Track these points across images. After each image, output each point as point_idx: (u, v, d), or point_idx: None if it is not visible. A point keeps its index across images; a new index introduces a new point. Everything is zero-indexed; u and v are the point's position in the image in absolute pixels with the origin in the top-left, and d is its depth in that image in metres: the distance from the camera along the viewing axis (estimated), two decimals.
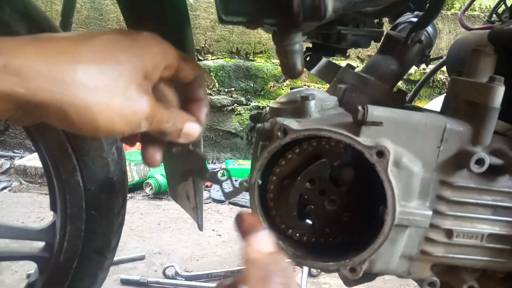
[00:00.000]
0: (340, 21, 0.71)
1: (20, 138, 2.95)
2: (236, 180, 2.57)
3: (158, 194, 2.42)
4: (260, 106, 2.86)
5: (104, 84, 0.33)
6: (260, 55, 2.89)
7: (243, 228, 0.42)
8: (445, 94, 0.58)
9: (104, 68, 0.33)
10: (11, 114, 0.32)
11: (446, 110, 0.55)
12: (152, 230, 1.93)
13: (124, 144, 0.78)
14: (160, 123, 0.38)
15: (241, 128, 2.92)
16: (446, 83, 2.80)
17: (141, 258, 1.67)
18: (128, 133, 0.35)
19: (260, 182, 0.50)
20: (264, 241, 0.39)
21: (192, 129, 0.41)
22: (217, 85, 2.88)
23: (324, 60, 0.83)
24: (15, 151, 2.95)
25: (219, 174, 0.46)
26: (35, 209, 2.06)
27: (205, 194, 2.42)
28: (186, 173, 0.45)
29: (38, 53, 0.31)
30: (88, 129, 0.33)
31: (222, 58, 2.89)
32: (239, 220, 0.43)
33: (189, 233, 1.90)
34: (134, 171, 2.47)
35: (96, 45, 0.34)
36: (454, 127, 0.49)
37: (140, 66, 0.36)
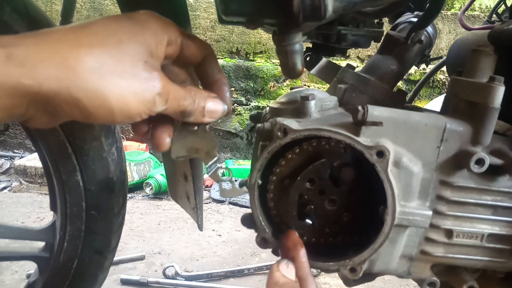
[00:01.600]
0: (340, 21, 0.71)
1: (20, 138, 2.95)
2: (236, 180, 2.56)
3: (158, 194, 2.42)
4: (260, 106, 2.86)
5: (110, 64, 0.33)
6: (260, 55, 2.90)
7: (287, 244, 0.47)
8: (445, 94, 0.58)
9: (106, 49, 0.33)
10: (23, 111, 0.31)
11: (446, 110, 0.55)
12: (152, 230, 1.93)
13: (124, 144, 0.78)
14: (177, 100, 0.37)
15: (241, 128, 2.92)
16: (446, 83, 2.80)
17: (141, 258, 1.67)
18: (146, 114, 0.35)
19: (260, 182, 0.50)
20: (291, 269, 0.43)
21: (215, 105, 0.41)
22: None
23: (324, 60, 0.83)
24: (15, 151, 2.95)
25: (220, 172, 0.46)
26: (35, 209, 2.06)
27: (205, 194, 2.43)
28: (192, 150, 0.43)
29: (39, 42, 0.31)
30: (103, 114, 0.33)
31: (222, 58, 2.89)
32: (285, 237, 0.48)
33: (189, 233, 1.90)
34: (134, 171, 2.47)
35: (95, 28, 0.34)
36: (454, 127, 0.49)
37: (142, 43, 0.35)
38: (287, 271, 0.43)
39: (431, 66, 1.01)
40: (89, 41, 0.33)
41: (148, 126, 0.41)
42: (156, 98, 0.35)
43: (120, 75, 0.33)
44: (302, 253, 0.46)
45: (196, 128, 0.43)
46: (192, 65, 0.43)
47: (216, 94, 0.42)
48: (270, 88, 2.88)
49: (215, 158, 0.45)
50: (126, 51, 0.34)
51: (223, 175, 0.46)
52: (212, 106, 0.40)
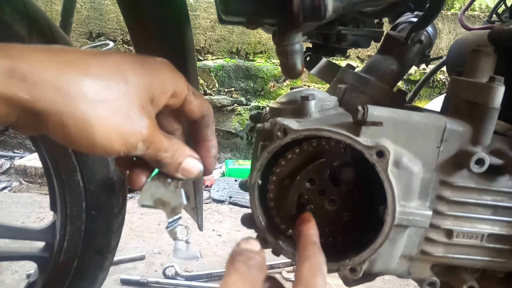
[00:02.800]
0: (340, 21, 0.71)
1: (20, 138, 2.95)
2: (236, 180, 2.57)
3: None
4: (260, 106, 2.86)
5: (108, 100, 0.33)
6: (260, 55, 2.90)
7: (297, 223, 0.45)
8: (445, 94, 0.58)
9: (110, 84, 0.33)
10: (14, 119, 0.32)
11: (446, 110, 0.55)
12: (152, 230, 1.93)
13: None
14: (157, 150, 0.37)
15: (241, 128, 2.92)
16: (446, 83, 2.80)
17: (141, 258, 1.67)
18: (124, 153, 0.35)
19: (260, 182, 0.50)
20: (251, 242, 0.40)
21: (191, 165, 0.40)
22: (217, 85, 2.88)
23: (324, 60, 0.83)
24: (15, 151, 2.95)
25: (178, 230, 0.44)
26: (35, 209, 2.06)
27: (205, 194, 2.43)
28: (159, 202, 0.43)
29: (47, 60, 0.31)
30: (85, 145, 0.33)
31: (222, 58, 2.89)
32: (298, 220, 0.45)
33: None
34: None
35: (107, 61, 0.34)
36: (454, 127, 0.49)
37: (147, 88, 0.35)
38: (246, 244, 0.40)
39: (431, 66, 1.01)
40: (96, 72, 0.33)
41: (131, 161, 0.41)
42: (139, 144, 0.35)
43: (113, 114, 0.33)
44: (309, 225, 0.44)
45: (169, 181, 0.42)
46: (190, 123, 0.43)
47: (201, 154, 0.42)
48: (270, 88, 2.88)
49: (178, 216, 0.44)
50: (128, 92, 0.34)
51: (182, 234, 0.44)
52: (188, 165, 0.40)
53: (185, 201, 0.43)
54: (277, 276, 1.55)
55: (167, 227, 0.44)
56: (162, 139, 0.37)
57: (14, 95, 0.30)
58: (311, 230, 0.44)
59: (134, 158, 0.42)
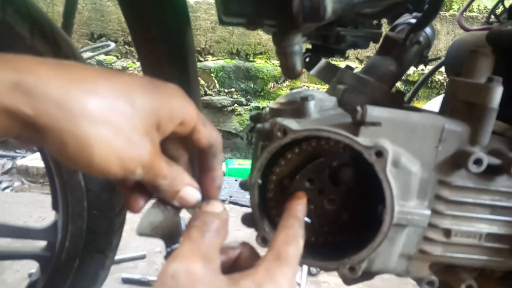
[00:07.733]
0: (339, 22, 0.71)
1: None
2: (236, 180, 2.57)
3: None
4: (260, 107, 2.87)
5: (111, 122, 0.32)
6: (260, 56, 2.90)
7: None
8: (443, 95, 0.58)
9: (116, 106, 0.32)
10: (17, 132, 0.31)
11: (444, 110, 0.56)
12: None
13: None
14: (156, 176, 0.36)
15: (241, 128, 2.92)
16: (444, 83, 2.80)
17: (142, 257, 1.67)
18: (121, 177, 0.34)
19: (260, 181, 0.51)
20: (214, 204, 0.39)
21: (189, 194, 0.39)
22: (217, 86, 2.89)
23: (323, 61, 0.83)
24: (17, 151, 2.96)
25: None
26: (37, 209, 2.07)
27: None
28: (158, 231, 0.41)
29: (54, 76, 0.31)
30: (82, 164, 0.32)
31: (222, 59, 2.90)
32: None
33: None
34: None
35: (115, 83, 0.33)
36: (452, 127, 0.50)
37: (154, 114, 0.35)
38: (206, 207, 0.39)
39: (430, 67, 1.01)
40: (103, 92, 0.32)
41: (132, 183, 0.39)
42: (137, 169, 0.34)
43: (115, 136, 0.32)
44: (297, 201, 0.44)
45: (169, 208, 0.41)
46: (197, 151, 0.42)
47: (205, 183, 0.42)
48: (270, 88, 2.89)
49: (176, 245, 0.42)
50: (133, 116, 0.33)
51: None
52: (185, 194, 0.39)
53: (182, 231, 0.41)
54: None
55: (165, 256, 0.42)
56: (162, 165, 0.36)
57: (17, 109, 0.29)
58: (298, 206, 0.43)
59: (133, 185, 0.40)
